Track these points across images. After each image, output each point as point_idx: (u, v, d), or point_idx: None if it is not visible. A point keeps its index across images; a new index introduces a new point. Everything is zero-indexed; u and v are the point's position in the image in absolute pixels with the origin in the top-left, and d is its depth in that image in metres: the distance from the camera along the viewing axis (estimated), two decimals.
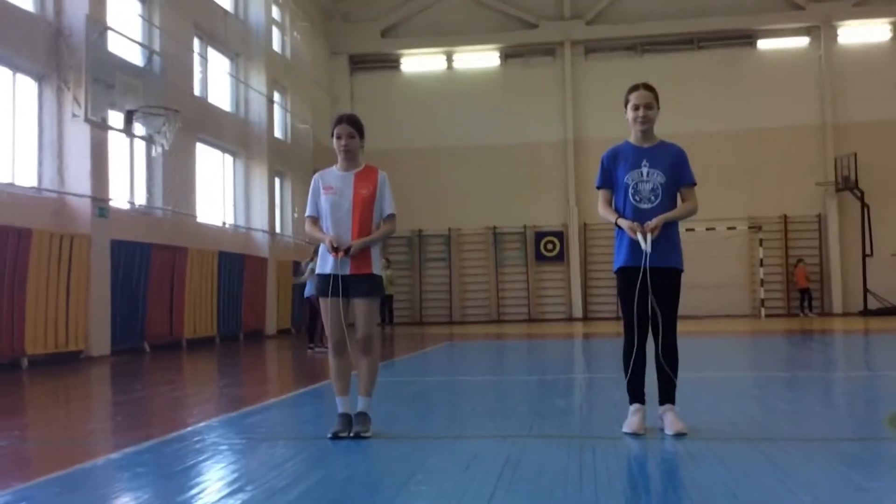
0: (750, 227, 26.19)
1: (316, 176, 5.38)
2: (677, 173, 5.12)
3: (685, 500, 3.55)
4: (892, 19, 26.42)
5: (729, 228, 25.63)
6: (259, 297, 20.33)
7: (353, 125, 5.25)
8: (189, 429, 5.83)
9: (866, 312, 24.75)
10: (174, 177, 17.01)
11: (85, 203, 13.68)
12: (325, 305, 5.26)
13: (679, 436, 4.89)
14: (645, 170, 5.08)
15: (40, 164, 13.53)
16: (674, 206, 5.13)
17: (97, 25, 13.92)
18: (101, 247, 13.90)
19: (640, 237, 4.94)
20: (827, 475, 4.05)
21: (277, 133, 23.10)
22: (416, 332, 21.23)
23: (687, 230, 22.77)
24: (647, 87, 5.18)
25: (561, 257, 27.41)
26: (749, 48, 27.18)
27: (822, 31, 26.58)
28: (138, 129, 14.89)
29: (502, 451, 4.65)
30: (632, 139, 5.23)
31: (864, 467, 4.25)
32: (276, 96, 22.99)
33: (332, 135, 5.26)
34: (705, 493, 3.62)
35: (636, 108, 5.13)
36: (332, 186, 5.25)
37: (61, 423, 6.81)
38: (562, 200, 27.44)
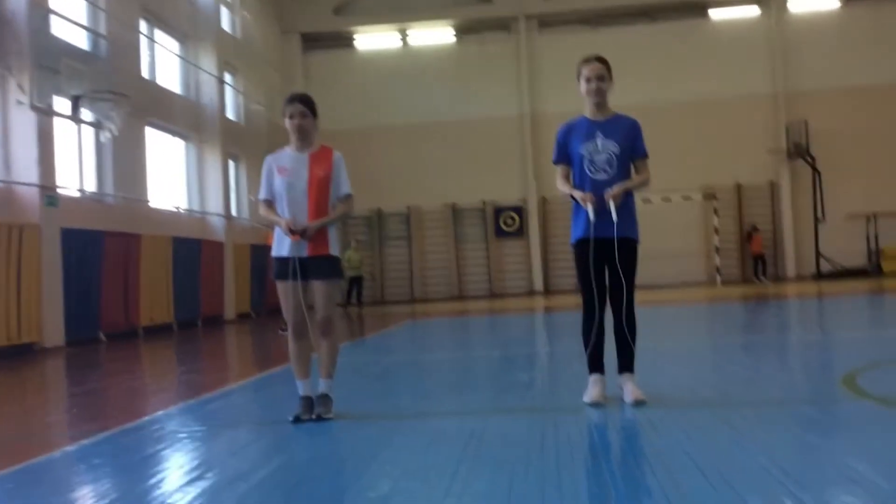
0: (705, 197, 26.51)
1: (268, 158, 5.28)
2: (631, 145, 5.15)
3: (646, 468, 3.59)
4: None
5: (684, 198, 25.92)
6: (217, 282, 20.10)
7: (305, 104, 5.16)
8: (147, 418, 5.75)
9: (819, 276, 25.28)
10: (124, 162, 16.66)
11: (33, 192, 13.35)
12: (283, 289, 5.20)
13: (638, 404, 4.94)
14: (599, 141, 5.10)
15: None
16: (628, 176, 5.15)
17: (40, 9, 13.53)
18: (51, 236, 13.59)
19: (589, 207, 4.97)
20: (784, 438, 4.13)
21: (230, 115, 22.76)
22: (378, 312, 21.19)
23: (643, 201, 22.95)
24: (600, 60, 5.18)
25: (521, 232, 27.52)
26: (701, 19, 27.40)
27: (772, 1, 26.86)
28: (86, 114, 14.53)
29: (466, 427, 4.66)
30: (586, 113, 5.24)
31: (820, 428, 4.34)
32: (228, 77, 22.62)
33: (285, 115, 5.17)
34: (665, 461, 3.65)
35: (588, 80, 5.13)
36: (286, 168, 5.16)
37: (15, 417, 6.66)
38: (520, 175, 27.50)
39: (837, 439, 4.02)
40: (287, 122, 5.17)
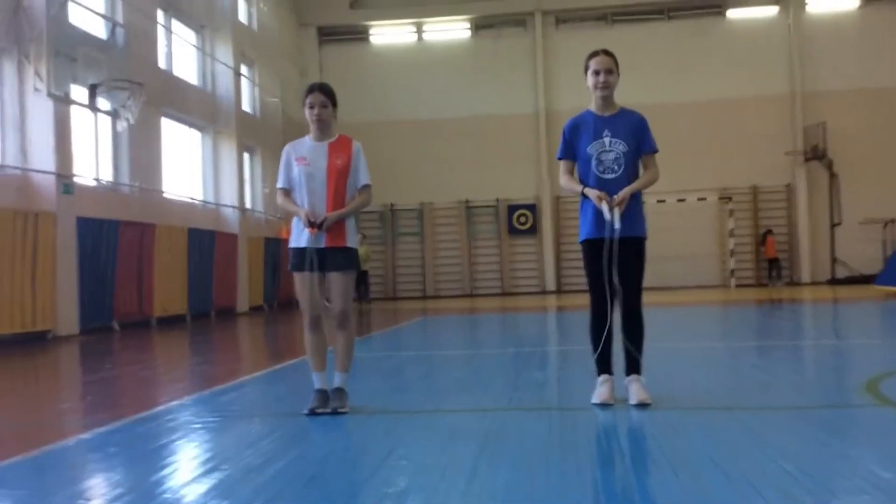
0: (720, 198, 26.36)
1: (287, 147, 5.24)
2: (639, 141, 5.08)
3: (667, 469, 3.52)
4: None
5: (699, 199, 25.79)
6: (230, 274, 20.10)
7: (325, 94, 5.12)
8: (161, 408, 5.72)
9: (834, 281, 25.08)
10: (140, 152, 16.68)
11: (49, 180, 13.37)
12: (300, 280, 5.15)
13: (642, 405, 4.84)
14: (607, 140, 5.04)
15: (2, 140, 13.17)
16: (636, 174, 5.09)
17: None
18: (66, 224, 13.62)
19: (604, 207, 4.90)
20: (807, 443, 4.05)
21: (246, 107, 22.75)
22: (390, 308, 21.16)
23: (658, 201, 22.86)
24: (607, 53, 5.14)
25: (534, 230, 27.43)
26: (718, 17, 27.21)
27: (790, 0, 26.64)
28: (102, 103, 14.55)
29: (482, 425, 4.60)
30: (592, 107, 5.18)
31: (843, 434, 4.26)
32: (244, 69, 22.61)
33: (305, 104, 5.12)
34: (688, 462, 3.59)
35: (596, 73, 5.07)
36: (304, 157, 5.11)
37: (30, 404, 6.65)
38: (534, 173, 27.40)
39: (863, 446, 3.94)
40: (307, 112, 5.12)
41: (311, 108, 5.09)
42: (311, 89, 5.15)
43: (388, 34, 28.37)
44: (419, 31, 28.28)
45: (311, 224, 5.00)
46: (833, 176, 25.27)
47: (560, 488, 3.27)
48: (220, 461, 4.03)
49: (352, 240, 5.17)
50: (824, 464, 3.62)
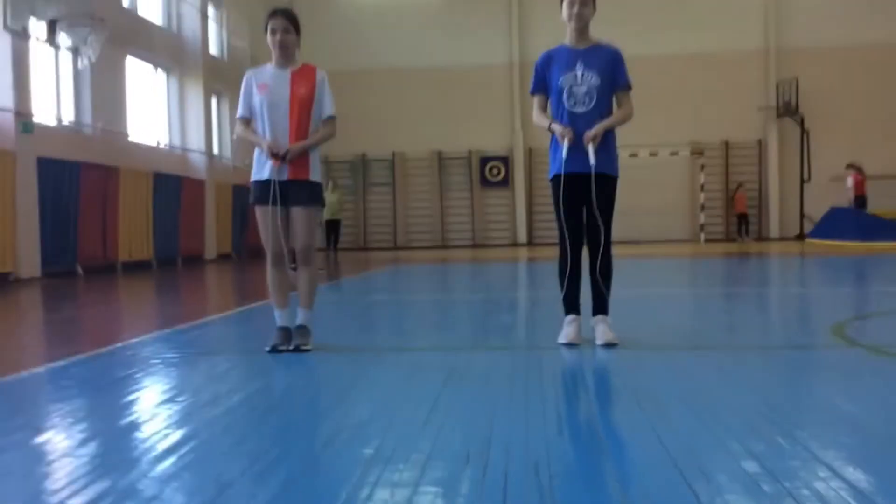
0: (692, 153, 26.36)
1: (248, 73, 5.02)
2: (613, 75, 4.92)
3: (632, 402, 3.47)
4: None
5: (672, 154, 25.76)
6: (197, 221, 19.80)
7: (288, 19, 4.90)
8: (120, 344, 5.58)
9: (802, 237, 25.31)
10: (103, 92, 16.22)
11: (7, 117, 12.97)
12: (262, 214, 4.99)
13: (609, 346, 4.78)
14: (579, 72, 4.88)
15: None
16: (609, 109, 4.95)
17: None
18: (26, 164, 13.25)
19: (565, 144, 4.78)
20: (775, 380, 4.04)
21: (213, 50, 22.19)
22: (360, 257, 21.03)
23: (630, 155, 22.76)
24: None
25: (506, 182, 27.30)
26: None
27: None
28: (63, 39, 14.08)
29: (447, 362, 4.54)
30: (566, 40, 5.02)
31: (812, 373, 4.25)
32: (211, 11, 22.00)
33: (266, 29, 4.89)
34: (653, 396, 3.54)
35: (571, 4, 4.90)
36: (266, 85, 4.90)
37: None
38: (507, 125, 27.18)
39: (830, 383, 3.93)
40: (269, 38, 4.90)
41: (273, 33, 4.87)
42: (274, 14, 4.92)
43: None
44: None
45: (273, 156, 4.83)
46: (804, 132, 25.34)
47: (523, 417, 3.20)
48: (177, 393, 3.93)
49: (315, 173, 5.01)
50: (792, 399, 3.60)
